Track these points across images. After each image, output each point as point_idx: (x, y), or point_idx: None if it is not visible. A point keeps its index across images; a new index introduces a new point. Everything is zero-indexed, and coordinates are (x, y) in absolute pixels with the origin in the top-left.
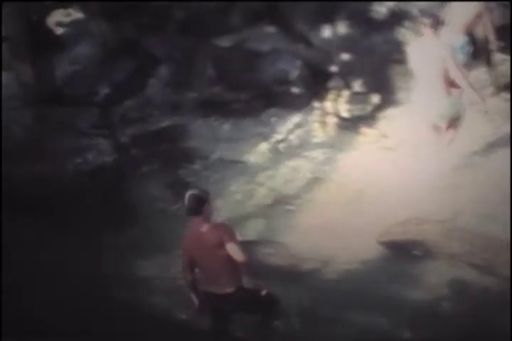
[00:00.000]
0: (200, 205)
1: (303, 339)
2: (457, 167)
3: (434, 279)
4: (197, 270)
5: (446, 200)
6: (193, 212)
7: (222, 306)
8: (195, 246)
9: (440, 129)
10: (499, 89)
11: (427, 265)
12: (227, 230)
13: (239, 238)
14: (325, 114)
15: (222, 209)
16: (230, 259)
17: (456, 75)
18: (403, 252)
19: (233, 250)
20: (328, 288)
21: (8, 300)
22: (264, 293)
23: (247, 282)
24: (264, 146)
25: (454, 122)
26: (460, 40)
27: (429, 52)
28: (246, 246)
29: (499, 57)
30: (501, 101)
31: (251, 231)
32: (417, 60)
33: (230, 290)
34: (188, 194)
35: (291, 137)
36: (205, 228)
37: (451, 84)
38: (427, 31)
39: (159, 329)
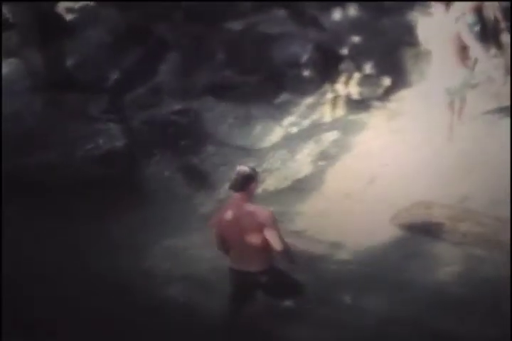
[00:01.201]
0: (247, 182)
1: (316, 324)
2: (467, 149)
3: (446, 261)
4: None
5: (457, 182)
6: (238, 187)
7: (246, 285)
8: (231, 221)
9: (453, 107)
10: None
11: (439, 247)
12: (270, 215)
13: None
14: (336, 96)
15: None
16: (264, 242)
17: (471, 44)
18: (415, 234)
19: (272, 237)
20: (341, 271)
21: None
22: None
23: (285, 267)
24: (275, 130)
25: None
26: (469, 19)
27: (441, 27)
28: None
29: (509, 38)
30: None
31: None
32: (429, 37)
33: (258, 269)
34: (238, 168)
35: (303, 120)
36: (247, 207)
37: (464, 57)
38: (438, 8)
39: (172, 321)
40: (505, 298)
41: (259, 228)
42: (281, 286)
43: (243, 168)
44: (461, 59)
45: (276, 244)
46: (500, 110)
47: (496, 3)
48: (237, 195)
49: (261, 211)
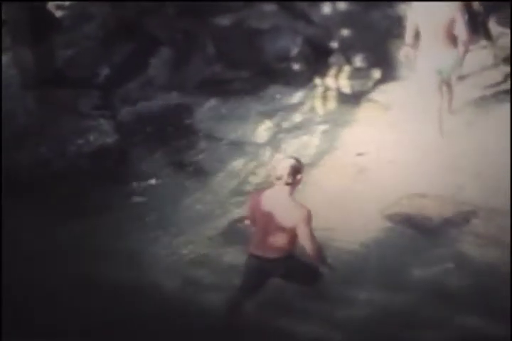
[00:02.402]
0: (295, 174)
1: (306, 317)
2: (459, 140)
3: (439, 253)
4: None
5: (449, 174)
6: (288, 180)
7: (262, 272)
8: (267, 209)
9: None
10: (500, 61)
11: (430, 239)
12: (307, 214)
13: None
14: (326, 90)
15: (225, 188)
16: (292, 235)
17: (461, 29)
18: (407, 227)
19: (305, 236)
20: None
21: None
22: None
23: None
24: (266, 124)
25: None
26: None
27: (431, 10)
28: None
29: (498, 30)
30: (499, 74)
31: None
32: (420, 20)
33: (277, 256)
34: (290, 162)
35: (293, 114)
36: (287, 201)
37: (454, 40)
38: None
39: (166, 314)
40: (503, 291)
41: (293, 224)
42: (299, 274)
43: (292, 161)
44: (451, 41)
45: (307, 244)
46: (491, 98)
47: None
48: (281, 188)
49: (299, 208)
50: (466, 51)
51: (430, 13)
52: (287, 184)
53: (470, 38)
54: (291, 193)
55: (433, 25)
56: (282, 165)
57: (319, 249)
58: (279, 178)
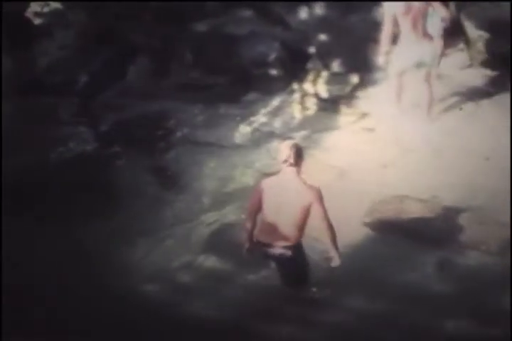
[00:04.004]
0: (300, 157)
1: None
2: (438, 144)
3: (421, 258)
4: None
5: (428, 178)
6: (292, 161)
7: (268, 257)
8: (277, 193)
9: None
10: (479, 64)
11: (412, 244)
12: (319, 192)
13: None
14: (304, 95)
15: (203, 192)
16: (303, 219)
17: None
18: (387, 232)
19: (320, 213)
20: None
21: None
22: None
23: (331, 248)
24: (244, 129)
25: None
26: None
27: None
28: (226, 228)
29: (476, 33)
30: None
31: (230, 214)
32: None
33: (287, 243)
34: (291, 143)
35: (272, 119)
36: (297, 182)
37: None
38: None
39: (156, 320)
40: (487, 296)
41: (309, 204)
42: (293, 269)
43: (292, 142)
44: (427, 34)
45: (323, 223)
46: (471, 101)
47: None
48: (287, 170)
49: (310, 187)
50: (444, 46)
51: (408, 3)
52: (292, 165)
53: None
54: (299, 173)
55: (411, 16)
56: (285, 147)
57: (333, 229)
58: (285, 161)
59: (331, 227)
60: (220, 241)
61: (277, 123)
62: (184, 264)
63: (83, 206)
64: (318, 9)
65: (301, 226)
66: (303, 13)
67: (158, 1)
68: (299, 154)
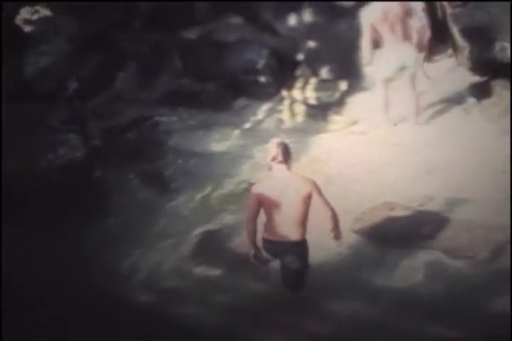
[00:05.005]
0: (288, 154)
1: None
2: (427, 151)
3: (409, 264)
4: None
5: (418, 185)
6: (283, 159)
7: (279, 254)
8: (275, 191)
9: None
10: (467, 70)
11: (401, 250)
12: (315, 183)
13: None
14: (293, 101)
15: (193, 199)
16: (305, 211)
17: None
18: (376, 239)
19: (322, 202)
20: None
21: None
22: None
23: (336, 234)
24: (234, 136)
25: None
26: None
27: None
28: (215, 235)
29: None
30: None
31: (220, 221)
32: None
33: (293, 239)
34: (277, 141)
35: (261, 126)
36: (292, 177)
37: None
38: None
39: (146, 326)
40: (473, 301)
41: (308, 195)
42: (299, 267)
43: (281, 140)
44: (407, 37)
45: (326, 210)
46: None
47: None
48: (277, 167)
49: (305, 178)
50: (426, 48)
51: (384, 9)
52: (281, 162)
53: (428, 32)
54: (290, 168)
55: (389, 22)
56: (272, 145)
57: (336, 214)
58: (274, 158)
59: (333, 212)
60: (210, 247)
61: (266, 130)
62: (174, 271)
63: (72, 213)
64: (307, 16)
65: (304, 220)
66: (292, 20)
67: (147, 9)
68: (286, 151)
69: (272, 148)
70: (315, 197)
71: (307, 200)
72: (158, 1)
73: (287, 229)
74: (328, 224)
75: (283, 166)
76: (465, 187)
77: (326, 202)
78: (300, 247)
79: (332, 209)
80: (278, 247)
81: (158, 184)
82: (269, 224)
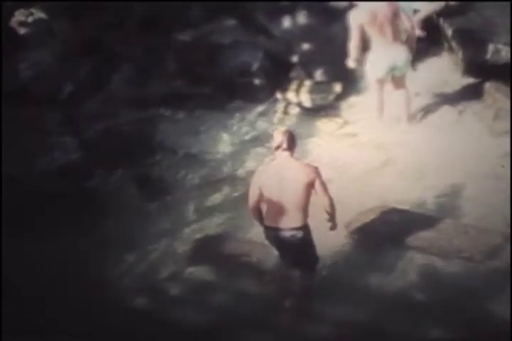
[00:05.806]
0: (293, 142)
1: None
2: (421, 153)
3: (404, 267)
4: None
5: (412, 187)
6: (288, 147)
7: (282, 242)
8: (276, 178)
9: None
10: (460, 73)
11: (395, 253)
12: (318, 171)
13: None
14: (288, 104)
15: (188, 202)
16: (307, 197)
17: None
18: (370, 241)
19: (324, 188)
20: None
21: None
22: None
23: (332, 225)
24: (229, 138)
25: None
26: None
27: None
28: (211, 238)
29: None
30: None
31: (216, 224)
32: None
33: (294, 225)
34: (283, 129)
35: (256, 128)
36: (295, 164)
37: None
38: None
39: (144, 331)
40: (467, 303)
41: (310, 182)
42: (306, 250)
43: (285, 128)
44: (396, 38)
45: (326, 198)
46: (452, 108)
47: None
48: (282, 154)
49: (309, 165)
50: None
51: (372, 11)
52: (285, 150)
53: (417, 30)
54: (292, 156)
55: (378, 23)
56: (278, 134)
57: (333, 204)
58: (278, 147)
59: (331, 201)
60: (205, 251)
61: (260, 132)
62: (171, 275)
63: (67, 217)
64: (301, 18)
65: (305, 206)
66: (286, 22)
67: (142, 11)
68: (291, 139)
69: (278, 136)
70: (318, 183)
71: (309, 187)
72: (153, 3)
73: (288, 214)
74: (325, 215)
75: (287, 153)
76: (458, 189)
77: (326, 190)
78: (304, 231)
79: (330, 198)
80: (281, 233)
81: (153, 186)
82: (270, 212)
